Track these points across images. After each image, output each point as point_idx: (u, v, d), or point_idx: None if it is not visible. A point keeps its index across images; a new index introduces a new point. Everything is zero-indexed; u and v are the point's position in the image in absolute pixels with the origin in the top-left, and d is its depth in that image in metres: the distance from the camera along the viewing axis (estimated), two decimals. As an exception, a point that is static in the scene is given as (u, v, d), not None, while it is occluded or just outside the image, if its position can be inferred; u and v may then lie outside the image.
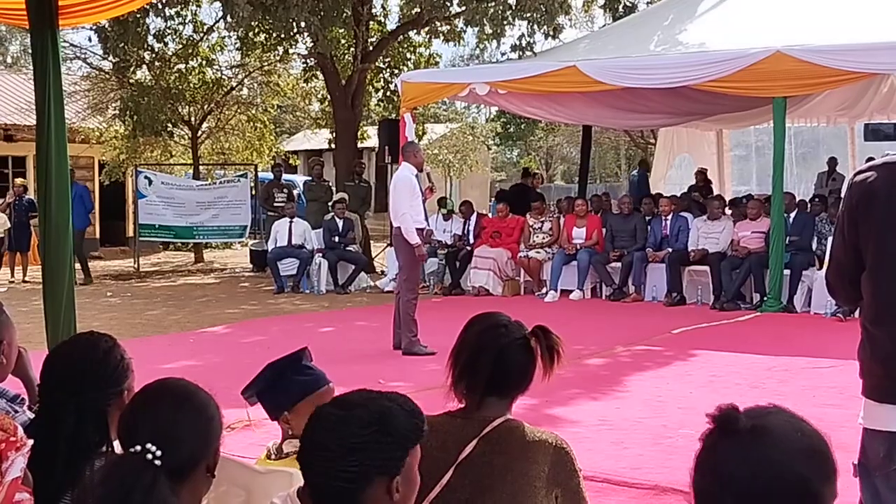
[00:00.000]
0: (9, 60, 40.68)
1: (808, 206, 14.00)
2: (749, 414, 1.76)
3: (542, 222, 15.19)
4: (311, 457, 2.00)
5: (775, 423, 1.75)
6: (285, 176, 20.79)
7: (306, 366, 3.21)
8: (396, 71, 20.13)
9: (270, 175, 20.83)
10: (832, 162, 18.73)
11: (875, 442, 2.91)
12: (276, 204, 17.94)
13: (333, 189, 18.32)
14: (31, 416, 3.07)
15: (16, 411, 3.03)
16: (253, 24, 17.60)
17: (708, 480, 1.73)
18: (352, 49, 19.40)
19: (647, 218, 14.61)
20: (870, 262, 2.95)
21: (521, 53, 16.87)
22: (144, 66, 20.71)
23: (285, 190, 18.51)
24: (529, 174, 19.74)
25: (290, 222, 16.10)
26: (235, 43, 21.03)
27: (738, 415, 1.75)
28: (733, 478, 1.69)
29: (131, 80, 20.63)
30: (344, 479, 1.95)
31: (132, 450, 2.04)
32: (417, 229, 9.85)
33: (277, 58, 21.51)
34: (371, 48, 19.47)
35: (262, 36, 19.50)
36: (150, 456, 2.01)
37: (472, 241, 15.44)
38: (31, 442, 1.90)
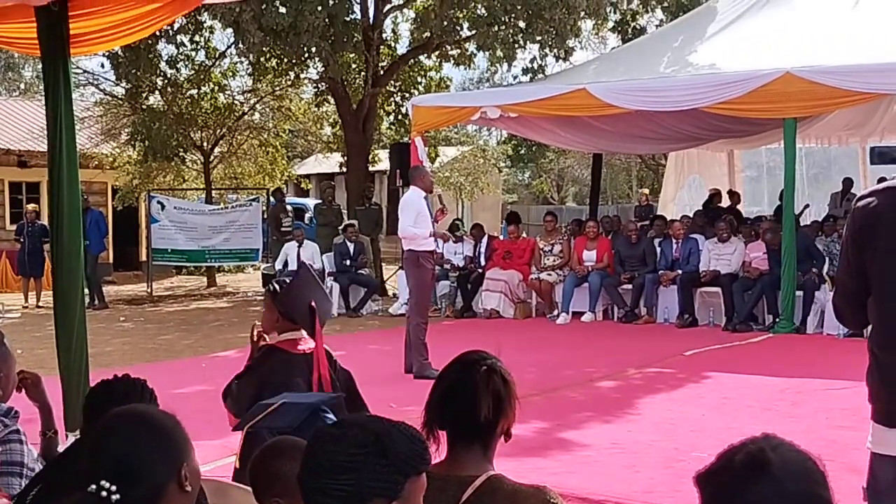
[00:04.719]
0: (22, 87, 40.95)
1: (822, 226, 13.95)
2: (756, 447, 1.72)
3: (553, 244, 15.17)
4: (307, 473, 1.98)
5: (784, 451, 1.74)
6: (298, 199, 20.84)
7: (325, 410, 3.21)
8: (407, 95, 20.20)
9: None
10: (848, 183, 18.60)
11: (884, 466, 2.90)
12: (282, 228, 18.00)
13: (344, 212, 18.36)
14: (18, 427, 3.11)
15: (6, 425, 3.06)
16: (264, 49, 17.72)
17: None
18: (363, 73, 19.48)
19: (658, 240, 14.58)
20: (875, 287, 2.94)
21: (532, 76, 16.90)
22: (157, 92, 20.85)
23: (290, 214, 18.53)
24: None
25: (299, 247, 16.16)
26: (247, 68, 21.18)
27: (767, 452, 1.70)
28: None
29: (143, 106, 20.76)
30: (338, 498, 1.95)
31: (89, 489, 2.03)
32: (427, 251, 9.89)
33: (289, 83, 21.65)
34: (382, 72, 19.54)
35: (274, 61, 19.62)
36: (104, 494, 2.01)
37: (483, 263, 15.43)
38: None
